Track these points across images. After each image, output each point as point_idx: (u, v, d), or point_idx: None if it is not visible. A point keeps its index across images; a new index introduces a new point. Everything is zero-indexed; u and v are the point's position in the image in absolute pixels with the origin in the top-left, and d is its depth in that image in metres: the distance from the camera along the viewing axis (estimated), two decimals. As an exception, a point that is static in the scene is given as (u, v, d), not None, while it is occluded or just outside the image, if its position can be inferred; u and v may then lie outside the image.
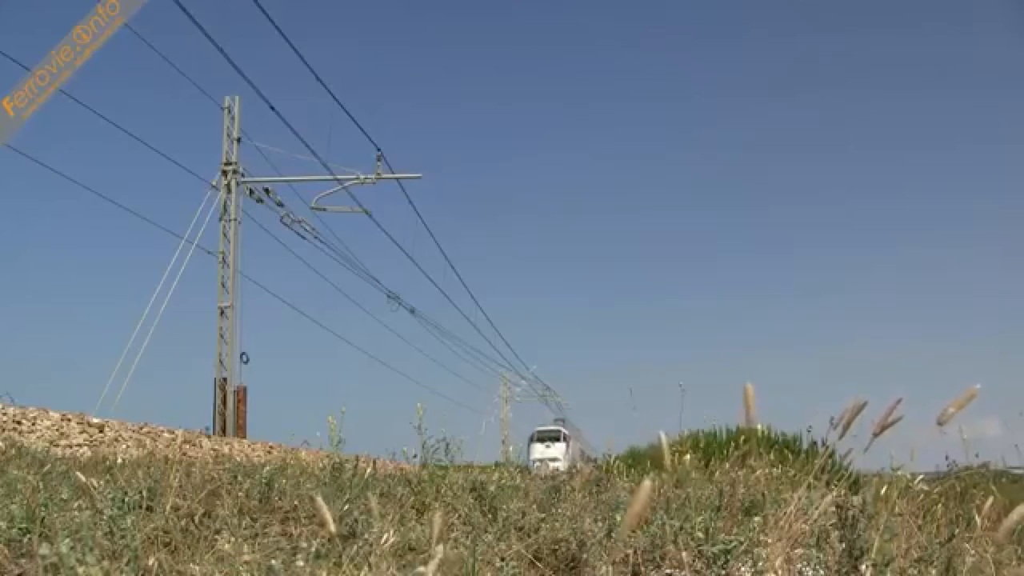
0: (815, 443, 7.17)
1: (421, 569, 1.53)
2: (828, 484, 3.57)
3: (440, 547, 1.48)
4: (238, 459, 5.39)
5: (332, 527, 1.88)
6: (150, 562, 2.36)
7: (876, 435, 2.45)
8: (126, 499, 3.00)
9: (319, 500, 1.92)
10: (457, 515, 3.68)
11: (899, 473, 3.94)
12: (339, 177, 20.01)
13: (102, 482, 3.28)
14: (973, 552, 2.86)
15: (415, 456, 5.29)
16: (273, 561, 2.17)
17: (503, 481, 4.41)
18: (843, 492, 3.36)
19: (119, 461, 4.54)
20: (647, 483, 1.20)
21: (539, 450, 32.11)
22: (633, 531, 3.09)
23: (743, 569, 2.91)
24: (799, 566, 2.91)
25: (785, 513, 2.98)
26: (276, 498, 3.71)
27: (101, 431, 6.36)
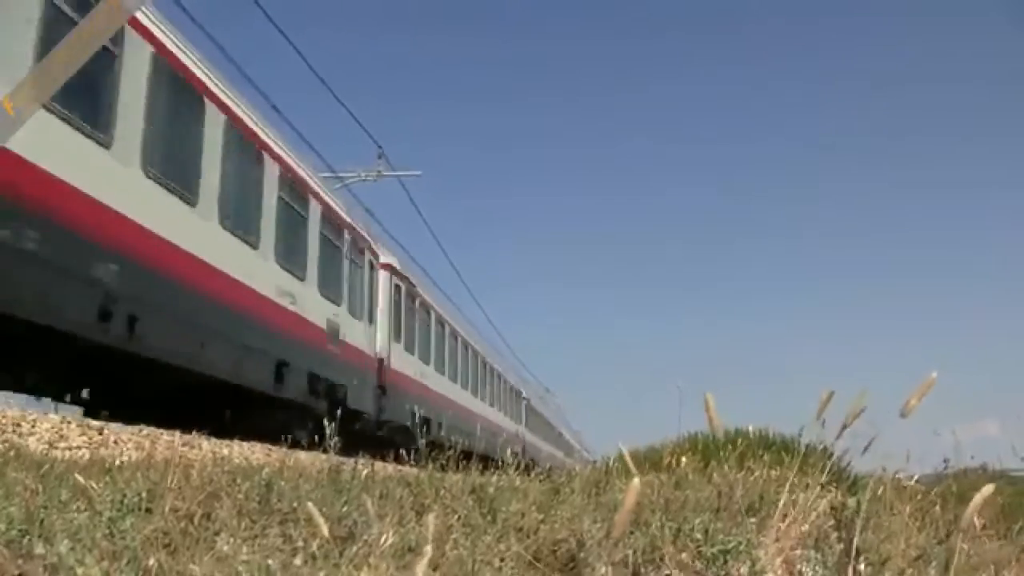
0: (811, 445, 7.19)
1: (416, 570, 1.53)
2: (822, 487, 3.58)
3: (428, 547, 1.50)
4: (237, 461, 5.39)
5: (325, 531, 1.89)
6: (149, 563, 2.36)
7: (847, 426, 2.47)
8: (125, 501, 3.01)
9: (310, 506, 1.92)
10: (456, 516, 3.68)
11: (897, 475, 3.95)
12: (340, 175, 20.12)
13: (101, 484, 3.28)
14: (970, 552, 2.87)
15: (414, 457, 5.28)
16: (270, 561, 2.18)
17: (501, 482, 4.41)
18: (841, 493, 3.37)
19: (118, 463, 4.54)
20: (636, 481, 1.22)
21: None
22: (632, 532, 3.10)
23: (742, 569, 2.92)
24: (798, 566, 2.92)
25: (783, 514, 2.99)
26: (275, 500, 3.71)
27: (100, 434, 6.36)
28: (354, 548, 2.67)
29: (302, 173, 12.39)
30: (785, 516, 2.94)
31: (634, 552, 3.11)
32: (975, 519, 3.12)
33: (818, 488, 3.56)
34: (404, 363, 16.33)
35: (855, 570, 2.63)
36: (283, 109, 18.22)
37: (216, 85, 10.05)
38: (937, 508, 4.02)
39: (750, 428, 7.16)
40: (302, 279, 12.03)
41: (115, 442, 6.29)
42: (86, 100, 7.59)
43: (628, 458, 2.32)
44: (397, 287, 16.23)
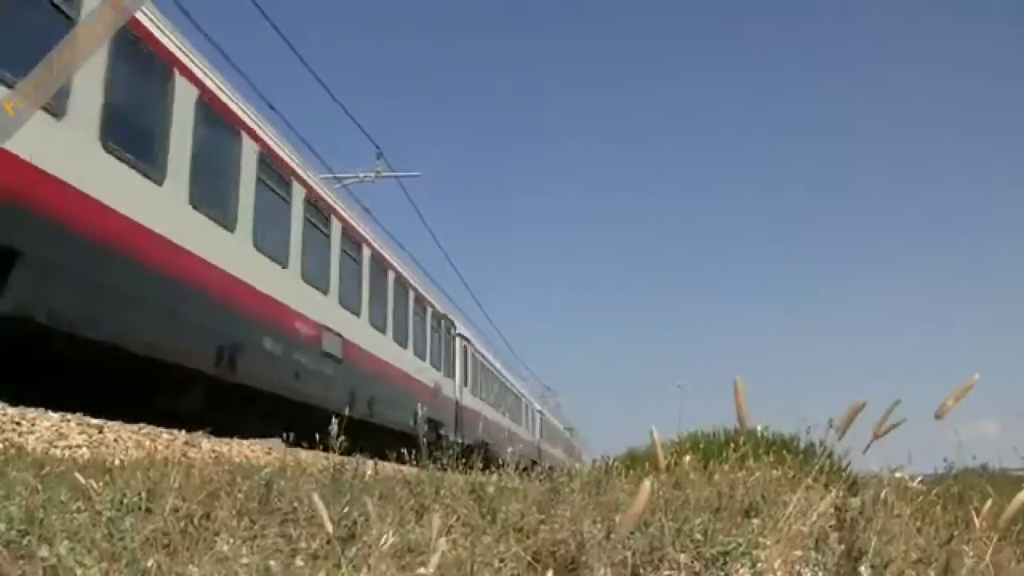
0: (812, 444, 7.18)
1: (422, 571, 1.53)
2: (827, 486, 3.58)
3: (442, 540, 1.48)
4: (237, 460, 5.39)
5: (329, 527, 1.89)
6: (149, 563, 2.36)
7: (877, 437, 2.45)
8: (125, 500, 3.00)
9: (316, 498, 1.92)
10: (456, 516, 3.68)
11: (898, 475, 3.94)
12: (339, 176, 20.16)
13: (101, 483, 3.28)
14: (971, 554, 2.86)
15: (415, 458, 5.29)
16: (271, 562, 2.18)
17: (502, 483, 4.41)
18: (841, 494, 3.36)
19: (118, 462, 4.54)
20: (647, 483, 1.20)
21: None
22: (632, 533, 3.09)
23: (742, 571, 2.92)
24: (798, 568, 2.91)
25: (784, 515, 2.98)
26: (275, 499, 3.71)
27: (100, 432, 6.35)
28: (354, 549, 2.66)
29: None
30: (790, 517, 2.93)
31: (634, 553, 3.11)
32: (976, 520, 3.11)
33: (822, 488, 3.55)
34: None
35: (856, 572, 2.63)
36: (282, 110, 18.23)
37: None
38: (938, 509, 4.00)
39: (758, 428, 7.16)
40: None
41: (115, 440, 6.29)
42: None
43: (658, 445, 2.28)
44: None
